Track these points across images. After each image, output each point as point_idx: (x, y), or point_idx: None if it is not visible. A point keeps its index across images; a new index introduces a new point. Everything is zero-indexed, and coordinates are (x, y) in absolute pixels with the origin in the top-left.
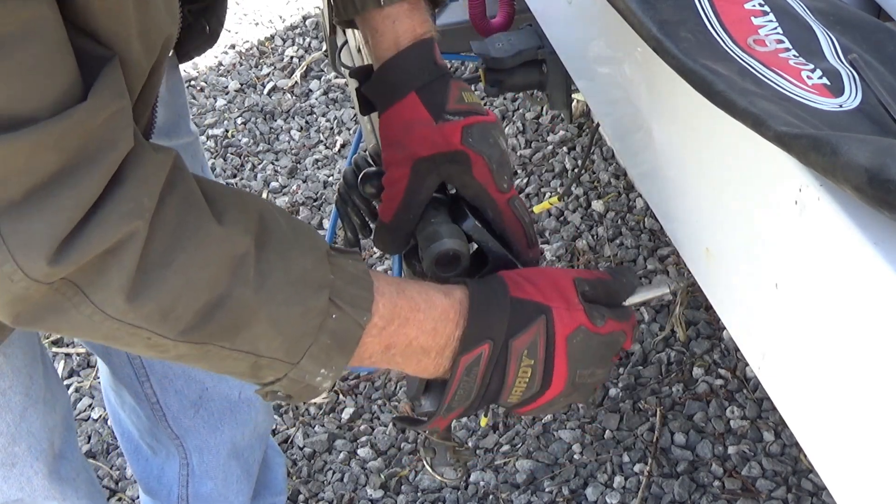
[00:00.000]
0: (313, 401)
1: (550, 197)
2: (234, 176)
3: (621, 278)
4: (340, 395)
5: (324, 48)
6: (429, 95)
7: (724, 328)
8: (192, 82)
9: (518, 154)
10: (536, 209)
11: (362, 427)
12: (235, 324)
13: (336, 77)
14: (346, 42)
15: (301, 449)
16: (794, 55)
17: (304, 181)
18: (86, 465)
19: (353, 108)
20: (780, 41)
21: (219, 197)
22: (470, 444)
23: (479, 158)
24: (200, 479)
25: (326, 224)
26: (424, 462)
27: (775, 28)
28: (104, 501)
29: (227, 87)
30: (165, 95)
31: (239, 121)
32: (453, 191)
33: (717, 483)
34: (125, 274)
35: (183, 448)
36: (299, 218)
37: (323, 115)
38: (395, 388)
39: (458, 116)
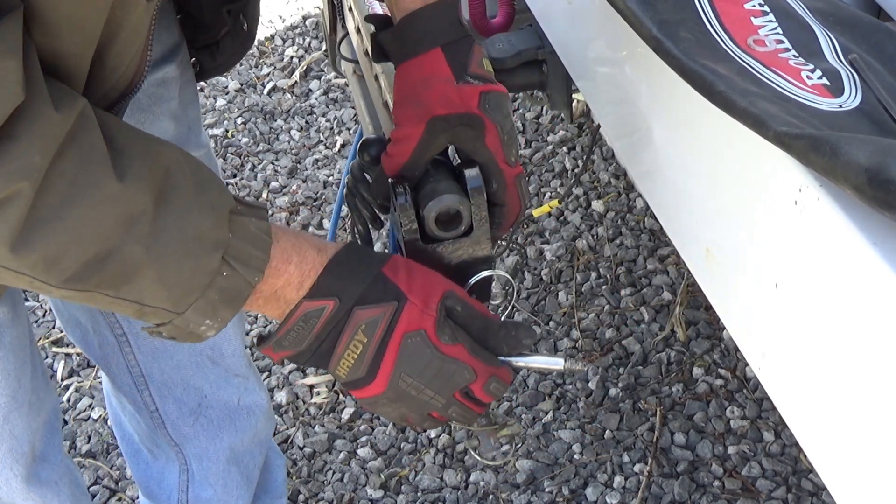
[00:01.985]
0: (313, 401)
1: (550, 198)
2: (234, 176)
3: (511, 330)
4: (340, 395)
5: (324, 48)
6: (453, 53)
7: (724, 328)
8: None
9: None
10: (536, 212)
11: (362, 427)
12: (122, 277)
13: (336, 77)
14: (346, 34)
15: (301, 449)
16: (794, 55)
17: (304, 181)
18: (71, 468)
19: (352, 107)
20: (780, 41)
21: (126, 150)
22: (468, 447)
23: (493, 127)
24: (200, 485)
25: (327, 224)
26: (472, 452)
27: (775, 28)
28: (87, 498)
29: (227, 86)
30: (177, 109)
31: (239, 121)
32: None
33: (717, 483)
34: (8, 228)
35: (182, 454)
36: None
37: (323, 115)
38: None
39: (478, 81)
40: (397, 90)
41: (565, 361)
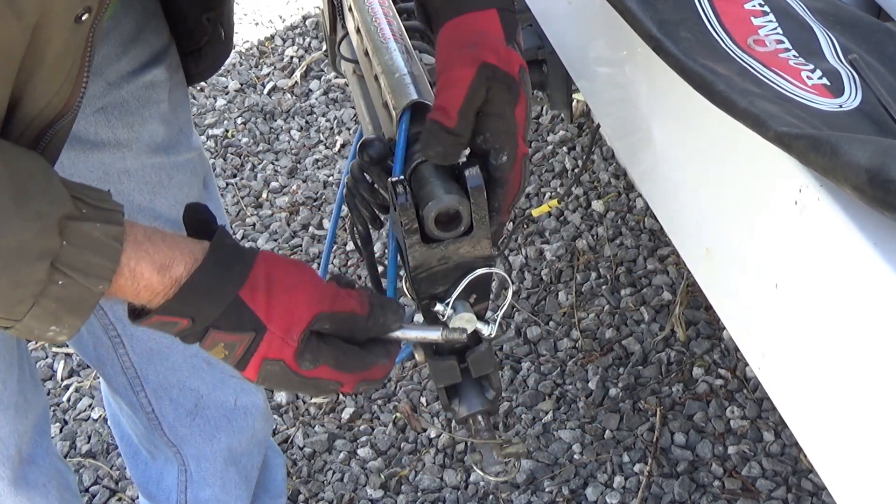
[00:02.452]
0: (313, 401)
1: (550, 198)
2: (234, 176)
3: (378, 318)
4: (340, 395)
5: (324, 48)
6: (506, 18)
7: (724, 328)
8: None
9: None
10: (535, 212)
11: (362, 427)
12: None
13: (336, 77)
14: (345, 34)
15: (301, 449)
16: (794, 55)
17: (304, 181)
18: (61, 470)
19: (352, 107)
20: (780, 41)
21: None
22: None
23: (524, 99)
24: (199, 486)
25: (327, 224)
26: (475, 468)
27: (775, 28)
28: (77, 499)
29: (227, 86)
30: (167, 112)
31: (239, 121)
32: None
33: (717, 483)
34: None
35: (181, 455)
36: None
37: (323, 115)
38: (395, 388)
39: (520, 52)
40: (447, 39)
41: (443, 331)
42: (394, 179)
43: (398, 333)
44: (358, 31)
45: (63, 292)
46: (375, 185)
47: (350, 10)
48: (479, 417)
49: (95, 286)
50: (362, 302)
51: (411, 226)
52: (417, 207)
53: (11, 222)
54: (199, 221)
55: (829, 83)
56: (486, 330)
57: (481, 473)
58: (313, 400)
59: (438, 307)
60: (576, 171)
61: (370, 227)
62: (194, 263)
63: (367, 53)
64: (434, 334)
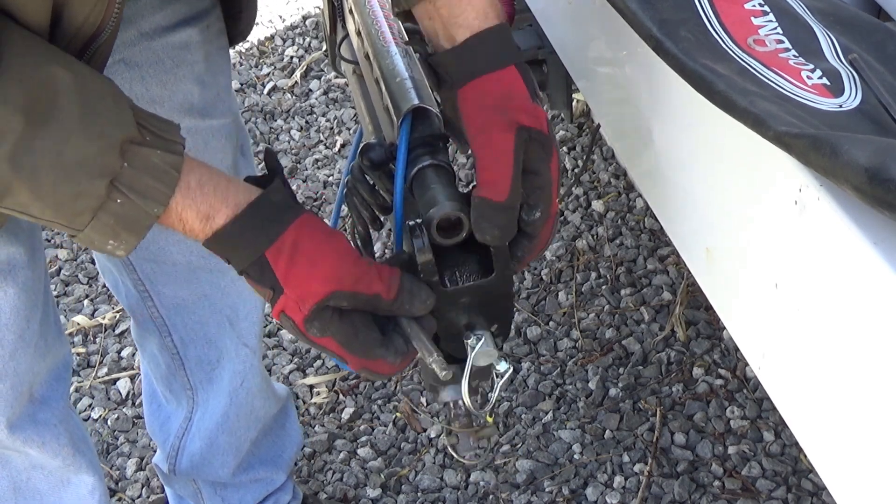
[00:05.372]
0: (313, 401)
1: None
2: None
3: (404, 303)
4: (340, 395)
5: (324, 48)
6: (525, 72)
7: (724, 328)
8: None
9: None
10: None
11: (362, 427)
12: None
13: (336, 77)
14: (346, 36)
15: (301, 449)
16: (794, 55)
17: (304, 181)
18: (72, 417)
19: (352, 107)
20: (780, 41)
21: (3, 68)
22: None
23: (556, 155)
24: (194, 437)
25: (326, 224)
26: (449, 449)
27: (775, 28)
28: (93, 454)
29: None
30: (204, 74)
31: None
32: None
33: (717, 483)
34: None
35: (193, 401)
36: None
37: (323, 115)
38: (395, 387)
39: (542, 105)
40: (473, 102)
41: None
42: (411, 224)
43: (420, 346)
44: (358, 33)
45: (121, 210)
46: (376, 187)
47: (351, 12)
48: (460, 403)
49: (151, 209)
50: (391, 286)
51: (429, 269)
52: (435, 245)
53: (76, 137)
54: (270, 169)
55: (828, 83)
56: (503, 367)
57: (455, 455)
58: (313, 400)
59: (470, 342)
60: (576, 170)
61: (370, 227)
62: (231, 210)
63: (367, 57)
64: (437, 365)
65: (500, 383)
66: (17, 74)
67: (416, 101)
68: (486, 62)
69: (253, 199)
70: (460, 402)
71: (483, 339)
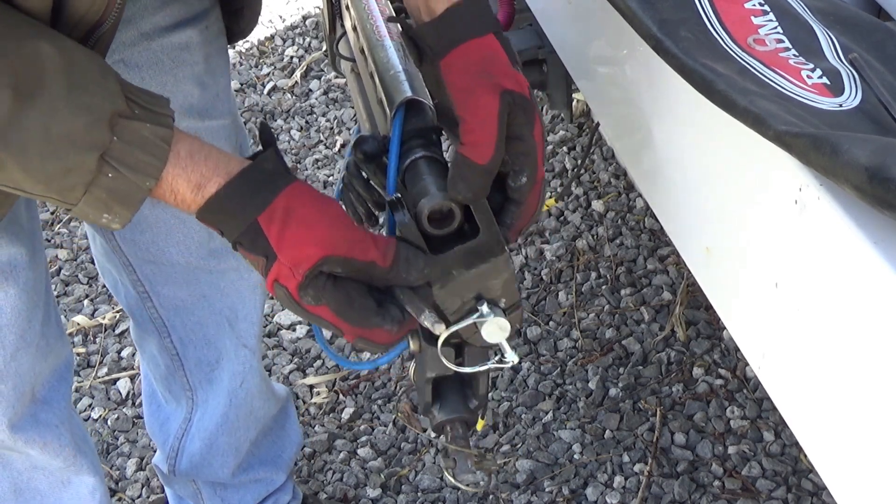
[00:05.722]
0: (313, 401)
1: (549, 198)
2: None
3: (400, 272)
4: (340, 395)
5: (324, 48)
6: (503, 40)
7: (724, 328)
8: None
9: None
10: None
11: (362, 427)
12: None
13: (336, 77)
14: (343, 33)
15: (301, 449)
16: (794, 54)
17: (305, 181)
18: (74, 418)
19: (352, 107)
20: (780, 40)
21: None
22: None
23: (539, 121)
24: (194, 438)
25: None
26: (446, 473)
27: (775, 27)
28: (93, 454)
29: None
30: (203, 75)
31: None
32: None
33: (717, 483)
34: None
35: (192, 402)
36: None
37: (323, 115)
38: (395, 387)
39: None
40: (458, 67)
41: (477, 329)
42: (390, 199)
43: (414, 308)
44: (354, 28)
45: (112, 184)
46: (371, 182)
47: (347, 7)
48: (458, 425)
49: (143, 182)
50: (387, 253)
51: (417, 242)
52: (418, 219)
53: (62, 112)
54: (265, 142)
55: (829, 82)
56: (510, 356)
57: (452, 480)
58: (313, 400)
59: (483, 308)
60: (575, 170)
61: (366, 223)
62: (222, 177)
63: (363, 51)
64: (460, 325)
65: (489, 365)
66: (2, 51)
67: (409, 94)
68: (466, 30)
69: (243, 167)
70: (457, 423)
71: (493, 311)
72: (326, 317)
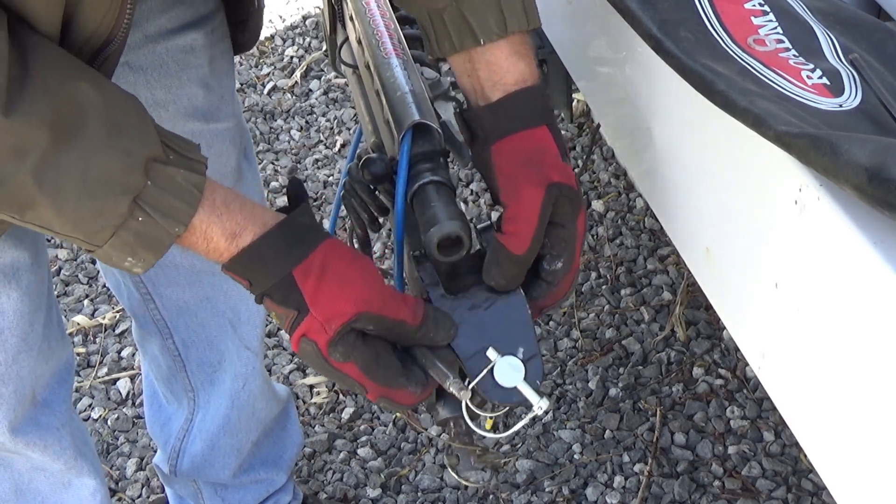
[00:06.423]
0: (313, 401)
1: None
2: None
3: (429, 331)
4: (340, 395)
5: (324, 48)
6: (556, 133)
7: (724, 328)
8: None
9: None
10: None
11: (362, 427)
12: (20, 203)
13: (336, 77)
14: (346, 39)
15: (301, 449)
16: (794, 55)
17: (304, 181)
18: (75, 420)
19: (352, 107)
20: (780, 41)
21: (32, 84)
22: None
23: (583, 212)
24: (196, 439)
25: (326, 225)
26: (450, 469)
27: (775, 28)
28: (94, 456)
29: None
30: (209, 77)
31: None
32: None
33: (717, 483)
34: None
35: (194, 402)
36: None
37: (323, 115)
38: None
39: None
40: (508, 156)
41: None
42: (416, 254)
43: (437, 372)
44: (359, 41)
45: (142, 228)
46: (376, 190)
47: (351, 18)
48: (461, 421)
49: (172, 228)
50: (416, 313)
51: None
52: (437, 267)
53: (101, 154)
54: (295, 196)
55: (828, 82)
56: (538, 402)
57: (456, 477)
58: (313, 400)
59: (490, 353)
60: (576, 170)
61: (369, 229)
62: (258, 229)
63: (368, 66)
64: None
65: (526, 420)
66: (43, 87)
67: (416, 117)
68: (520, 121)
69: (281, 219)
70: (460, 420)
71: (505, 356)
72: (353, 374)
